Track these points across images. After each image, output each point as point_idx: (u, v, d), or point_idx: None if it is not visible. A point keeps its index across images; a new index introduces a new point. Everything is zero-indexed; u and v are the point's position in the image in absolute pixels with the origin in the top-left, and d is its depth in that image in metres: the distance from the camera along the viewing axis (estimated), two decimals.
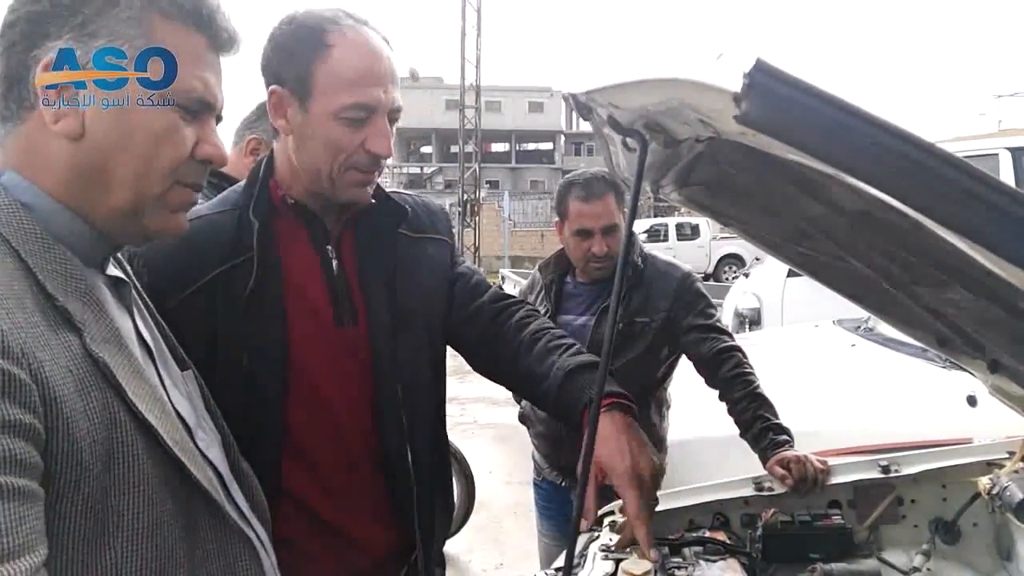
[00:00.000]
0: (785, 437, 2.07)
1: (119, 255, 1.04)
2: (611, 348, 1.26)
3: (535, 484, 2.75)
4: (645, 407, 2.38)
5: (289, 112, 1.34)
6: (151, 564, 0.86)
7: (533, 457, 2.72)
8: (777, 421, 2.13)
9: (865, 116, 0.68)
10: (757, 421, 2.13)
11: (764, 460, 2.06)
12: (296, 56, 1.29)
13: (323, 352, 1.41)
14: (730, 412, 2.24)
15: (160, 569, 0.87)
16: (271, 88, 1.33)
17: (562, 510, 2.56)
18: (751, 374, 2.23)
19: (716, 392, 2.30)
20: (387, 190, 1.54)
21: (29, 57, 0.87)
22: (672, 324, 2.33)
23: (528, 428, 2.69)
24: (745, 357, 2.28)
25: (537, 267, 2.53)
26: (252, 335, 1.33)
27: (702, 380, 2.35)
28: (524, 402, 2.58)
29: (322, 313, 1.42)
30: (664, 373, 2.44)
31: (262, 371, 1.34)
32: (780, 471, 1.94)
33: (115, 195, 0.92)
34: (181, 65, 0.93)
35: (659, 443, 2.48)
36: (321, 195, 1.41)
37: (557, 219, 2.41)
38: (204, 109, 0.97)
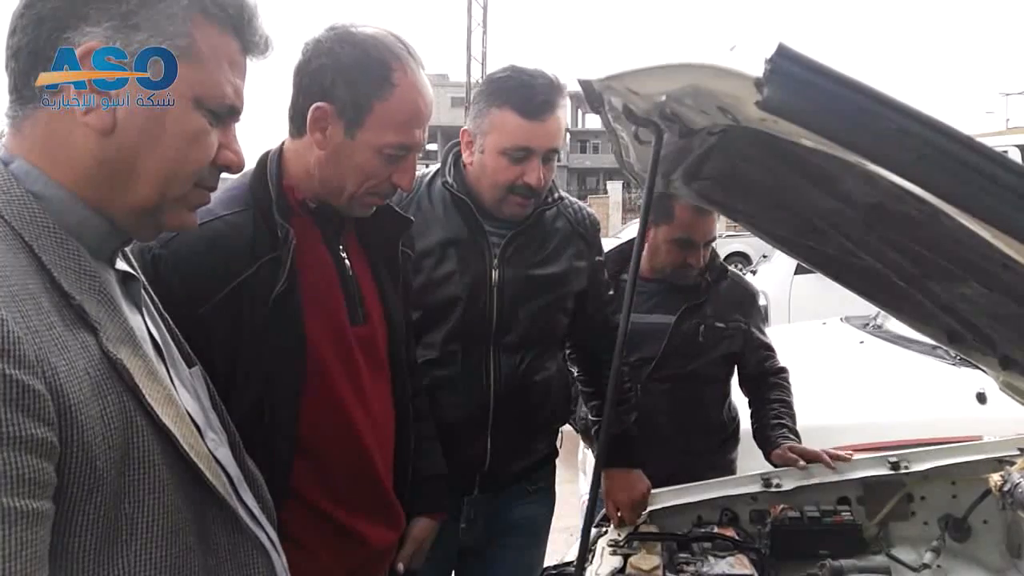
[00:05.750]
0: (794, 438, 2.14)
1: (126, 250, 1.01)
2: (624, 346, 1.29)
3: None
4: (718, 403, 2.42)
5: (330, 130, 1.35)
6: (164, 572, 0.83)
7: None
8: (793, 426, 2.21)
9: (890, 102, 0.67)
10: (782, 418, 2.22)
11: (769, 447, 2.15)
12: (358, 85, 1.31)
13: (337, 350, 1.42)
14: (755, 409, 2.35)
15: None
16: (318, 104, 1.33)
17: None
18: (790, 395, 2.35)
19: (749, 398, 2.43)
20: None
21: (60, 38, 0.84)
22: (743, 334, 2.38)
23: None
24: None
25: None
26: (274, 335, 1.34)
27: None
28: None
29: (337, 312, 1.44)
30: (729, 375, 2.49)
31: (281, 370, 1.36)
32: (791, 456, 2.03)
33: (138, 193, 0.89)
34: (216, 69, 0.91)
35: (734, 436, 2.50)
36: (328, 203, 1.44)
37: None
38: (230, 115, 0.96)
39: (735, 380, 2.46)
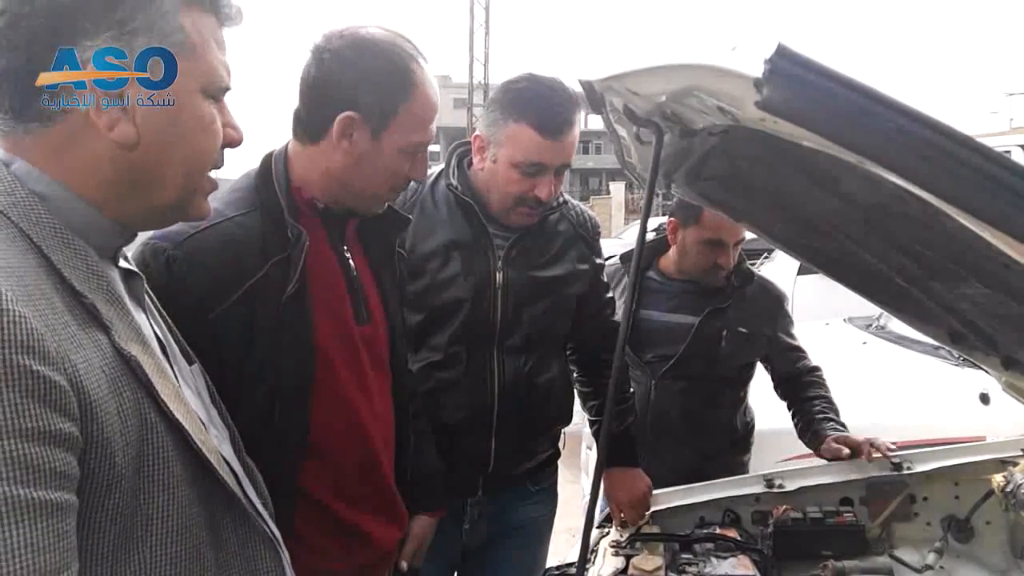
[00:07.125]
0: (843, 429, 2.14)
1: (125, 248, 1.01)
2: (624, 346, 1.28)
3: None
4: (734, 406, 2.41)
5: (356, 135, 1.36)
6: (179, 567, 0.84)
7: None
8: (839, 419, 2.20)
9: (890, 102, 0.67)
10: (827, 412, 2.22)
11: (818, 442, 2.14)
12: (384, 90, 1.33)
13: (344, 349, 1.43)
14: (796, 410, 2.33)
15: (187, 572, 0.85)
16: (346, 113, 1.33)
17: None
18: (828, 391, 2.34)
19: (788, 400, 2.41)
20: None
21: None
22: (768, 341, 2.36)
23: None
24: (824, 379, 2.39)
25: (619, 257, 2.43)
26: (284, 335, 1.35)
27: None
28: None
29: (343, 311, 1.44)
30: (747, 379, 2.47)
31: (291, 370, 1.36)
32: (835, 447, 2.02)
33: (164, 193, 0.90)
34: (207, 52, 0.91)
35: (746, 440, 2.48)
36: (341, 203, 1.44)
37: (673, 217, 2.32)
38: (223, 94, 0.96)
39: (755, 385, 2.43)
